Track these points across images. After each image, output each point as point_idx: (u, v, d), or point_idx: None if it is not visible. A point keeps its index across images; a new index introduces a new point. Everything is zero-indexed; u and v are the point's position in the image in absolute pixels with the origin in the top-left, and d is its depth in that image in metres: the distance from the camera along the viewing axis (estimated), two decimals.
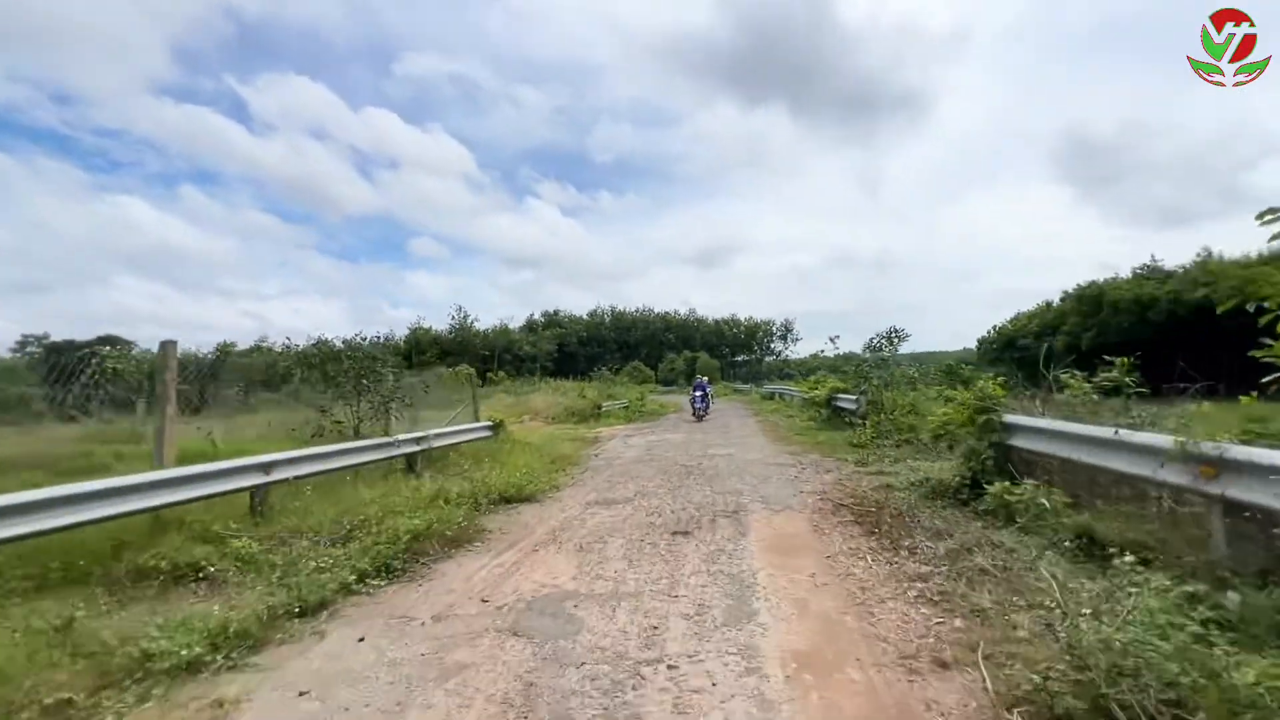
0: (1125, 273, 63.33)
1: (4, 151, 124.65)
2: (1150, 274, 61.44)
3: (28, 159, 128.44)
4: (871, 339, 14.11)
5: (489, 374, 54.30)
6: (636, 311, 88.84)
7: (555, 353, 76.57)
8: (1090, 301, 62.57)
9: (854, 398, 13.64)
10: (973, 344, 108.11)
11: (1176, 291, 55.01)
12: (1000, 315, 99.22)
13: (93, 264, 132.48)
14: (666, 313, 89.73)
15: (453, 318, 75.88)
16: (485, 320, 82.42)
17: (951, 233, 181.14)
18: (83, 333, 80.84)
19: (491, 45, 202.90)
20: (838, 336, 17.76)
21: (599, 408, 23.27)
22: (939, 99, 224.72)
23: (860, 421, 12.65)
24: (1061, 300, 68.81)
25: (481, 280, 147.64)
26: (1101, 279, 63.05)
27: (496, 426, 12.42)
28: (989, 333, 76.41)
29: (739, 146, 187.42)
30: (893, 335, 13.85)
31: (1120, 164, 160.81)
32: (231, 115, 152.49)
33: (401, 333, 77.17)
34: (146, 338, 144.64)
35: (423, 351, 73.16)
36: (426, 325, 75.92)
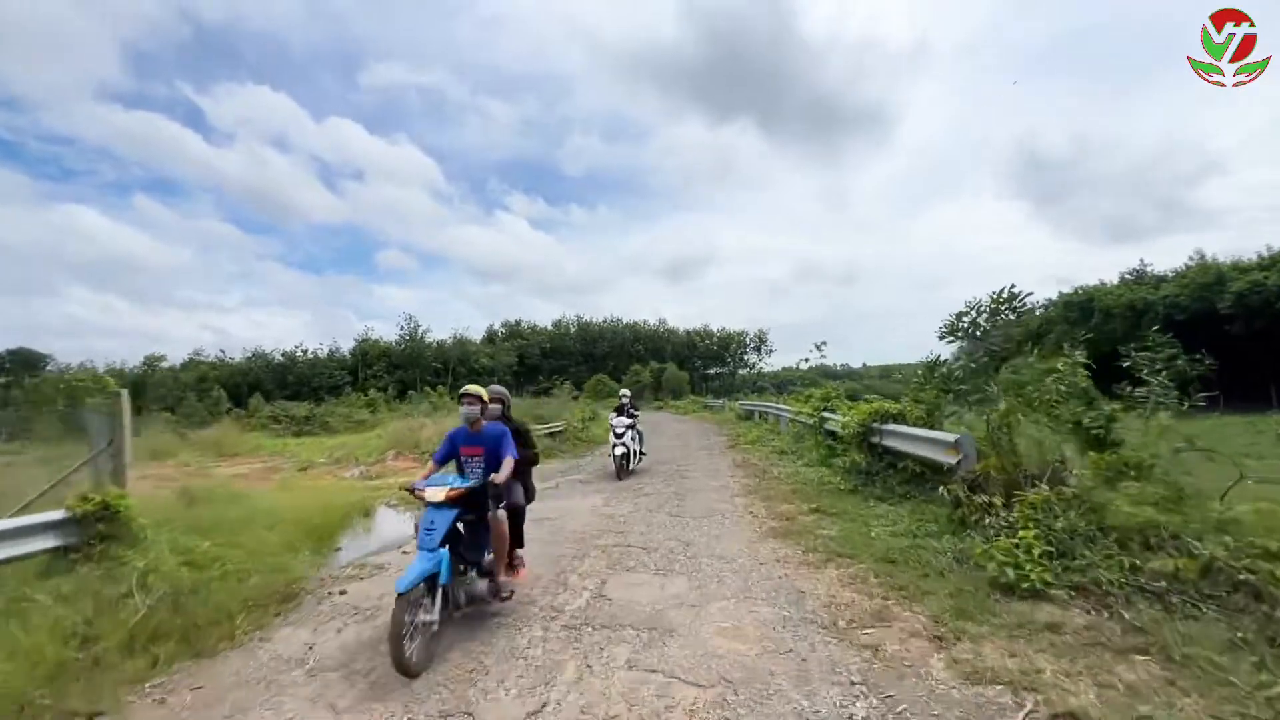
0: (1071, 285, 59.01)
1: None
2: (1140, 279, 56.05)
3: None
4: (969, 311, 6.75)
5: (429, 389, 46.00)
6: (604, 321, 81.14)
7: (516, 365, 68.60)
8: (1078, 308, 56.81)
9: (937, 436, 6.15)
10: (943, 354, 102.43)
11: (1173, 296, 49.52)
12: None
13: (40, 274, 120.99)
14: (635, 323, 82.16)
15: (402, 327, 67.40)
16: (449, 332, 73.87)
17: (915, 244, 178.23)
18: (32, 345, 70.31)
19: (459, 56, 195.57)
20: (824, 343, 13.11)
21: None
22: (901, 114, 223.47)
23: (968, 495, 5.18)
24: (1046, 308, 63.09)
25: (450, 293, 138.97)
26: (1090, 284, 57.41)
27: (86, 520, 4.70)
28: None
29: (708, 160, 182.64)
30: (1002, 302, 6.47)
31: (1069, 179, 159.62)
32: (188, 123, 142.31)
33: (348, 345, 68.33)
34: (98, 350, 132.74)
35: (370, 365, 64.60)
36: (375, 336, 67.30)
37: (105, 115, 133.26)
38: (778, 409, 17.98)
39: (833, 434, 10.57)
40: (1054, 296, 61.30)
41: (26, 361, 67.71)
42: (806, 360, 15.23)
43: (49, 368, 68.67)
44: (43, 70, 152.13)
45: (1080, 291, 57.46)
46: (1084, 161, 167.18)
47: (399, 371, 62.93)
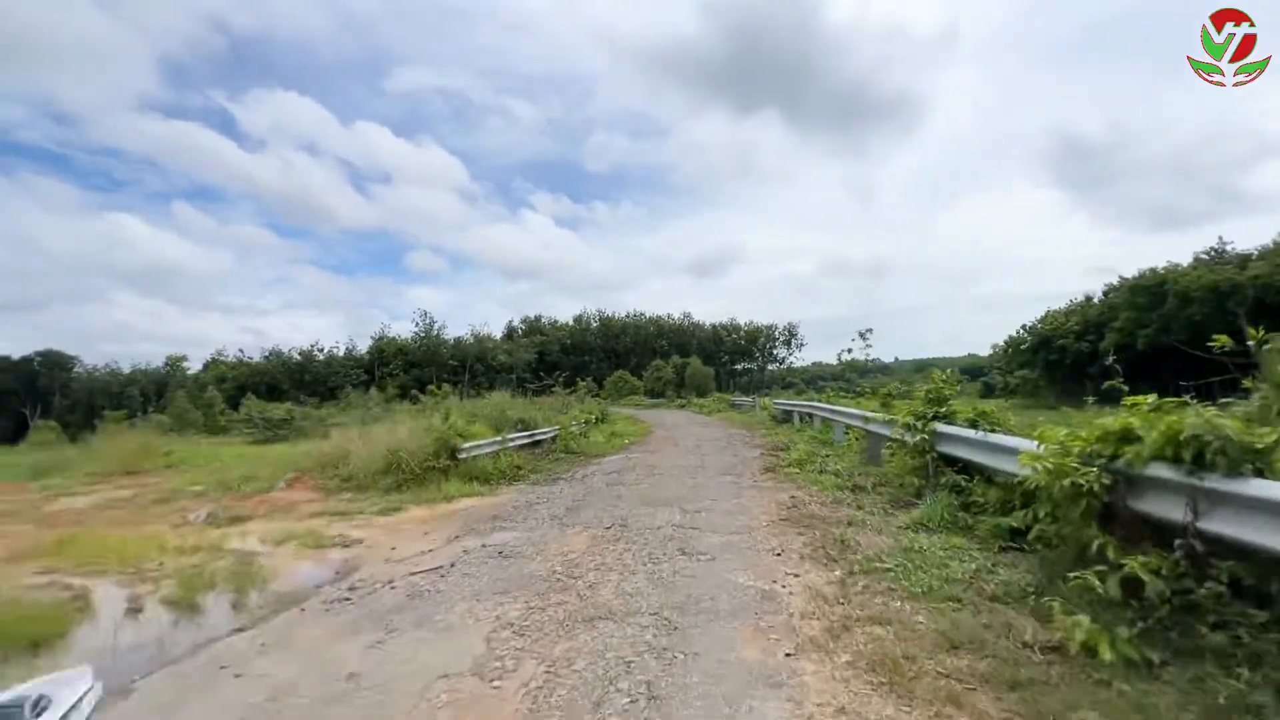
0: (1114, 276, 52.95)
1: None
2: (1219, 260, 48.67)
3: (16, 176, 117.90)
4: None
5: (434, 388, 41.83)
6: (627, 316, 76.45)
7: (535, 362, 64.49)
8: (1146, 293, 49.65)
9: None
10: (976, 349, 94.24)
11: (1265, 276, 42.38)
12: (998, 319, 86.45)
13: (89, 281, 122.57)
14: (659, 317, 77.21)
15: (417, 324, 63.91)
16: (467, 329, 70.12)
17: (947, 237, 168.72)
18: (80, 352, 69.46)
19: (482, 58, 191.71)
20: (870, 330, 10.51)
21: (455, 454, 10.90)
22: (929, 104, 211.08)
23: None
24: (1106, 294, 55.94)
25: (479, 293, 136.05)
26: (1161, 267, 50.19)
27: None
28: (1018, 333, 63.29)
29: (732, 155, 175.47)
30: None
31: (1110, 166, 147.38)
32: (223, 130, 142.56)
33: (365, 345, 65.15)
34: (142, 354, 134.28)
35: (386, 363, 61.30)
36: (392, 334, 64.00)
37: (146, 126, 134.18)
38: (830, 410, 12.96)
39: (953, 462, 5.62)
40: (1110, 284, 54.26)
41: (56, 363, 66.54)
42: (849, 351, 10.85)
43: (77, 369, 67.48)
44: (88, 85, 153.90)
45: (1150, 275, 50.23)
46: (1124, 148, 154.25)
47: (415, 370, 59.47)
